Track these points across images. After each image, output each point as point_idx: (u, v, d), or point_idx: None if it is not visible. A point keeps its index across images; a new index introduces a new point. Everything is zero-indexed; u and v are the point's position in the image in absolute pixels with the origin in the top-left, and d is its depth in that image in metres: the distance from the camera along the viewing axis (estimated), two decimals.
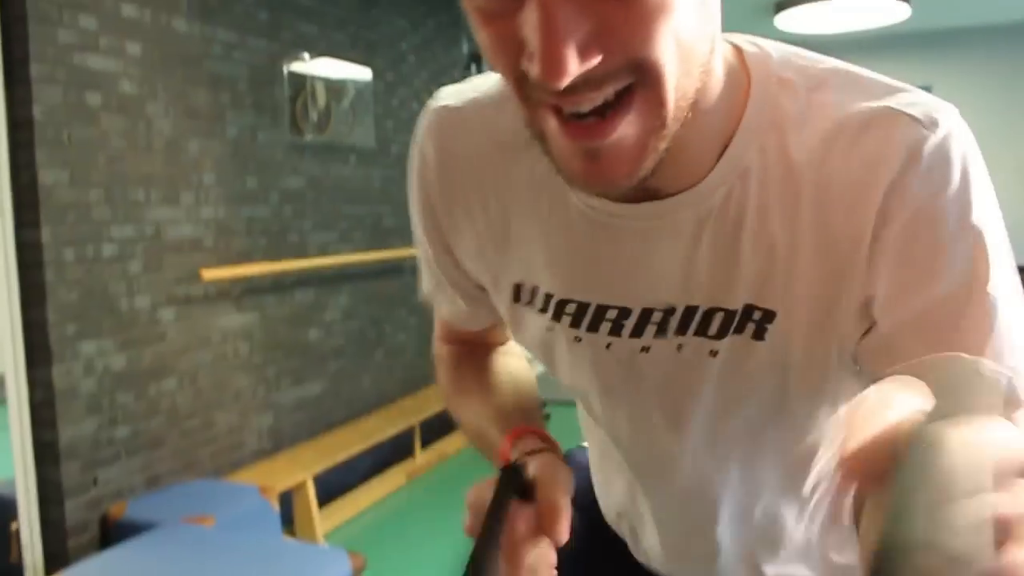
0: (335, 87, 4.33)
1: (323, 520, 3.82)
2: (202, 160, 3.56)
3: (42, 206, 2.89)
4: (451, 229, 0.83)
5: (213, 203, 3.62)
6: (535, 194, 0.76)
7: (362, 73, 4.54)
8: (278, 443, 4.01)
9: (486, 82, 0.81)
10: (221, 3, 3.65)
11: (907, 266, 0.64)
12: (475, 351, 1.00)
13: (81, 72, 3.03)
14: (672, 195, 0.69)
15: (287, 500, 3.66)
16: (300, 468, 3.76)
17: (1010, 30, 7.04)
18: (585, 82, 0.53)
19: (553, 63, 0.51)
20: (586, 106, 0.55)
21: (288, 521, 3.67)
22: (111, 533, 3.02)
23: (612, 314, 0.75)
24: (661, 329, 0.74)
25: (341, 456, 3.99)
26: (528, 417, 0.85)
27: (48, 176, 2.91)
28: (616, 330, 0.76)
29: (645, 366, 0.76)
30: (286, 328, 4.09)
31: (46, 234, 2.91)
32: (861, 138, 0.64)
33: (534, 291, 0.80)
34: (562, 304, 0.78)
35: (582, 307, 0.76)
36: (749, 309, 0.70)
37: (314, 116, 4.19)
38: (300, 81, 4.10)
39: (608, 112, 0.56)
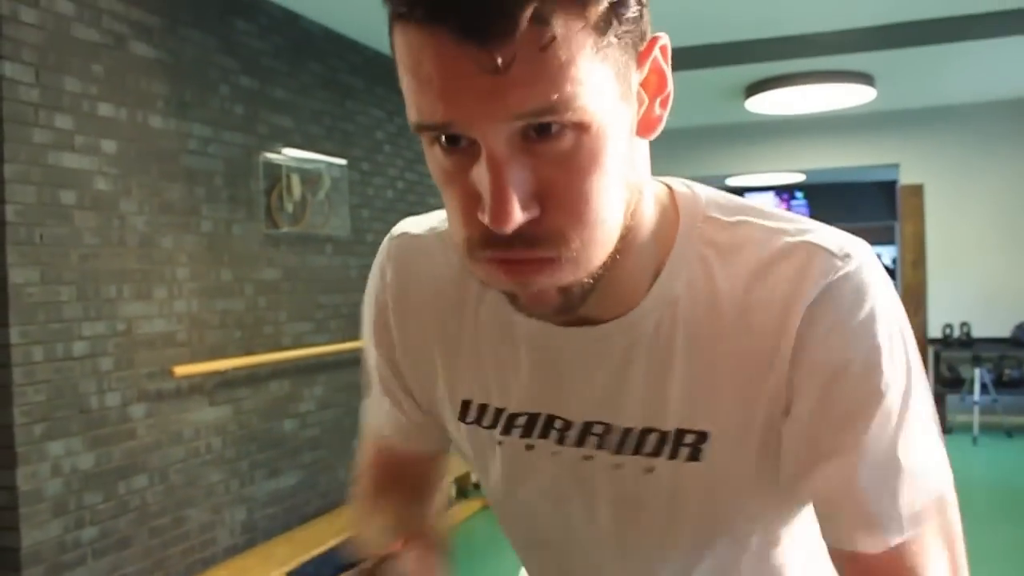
0: (311, 178, 4.38)
1: None
2: (176, 255, 3.57)
3: (11, 306, 2.87)
4: (403, 349, 0.90)
5: (187, 297, 3.61)
6: (485, 318, 0.83)
7: (337, 163, 4.60)
8: (252, 538, 3.93)
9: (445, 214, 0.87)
10: (197, 99, 3.70)
11: (823, 390, 0.70)
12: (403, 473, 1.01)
13: (56, 171, 3.04)
14: (606, 321, 0.75)
15: None
16: (274, 564, 3.68)
17: (972, 109, 7.24)
18: (520, 238, 0.61)
19: (500, 211, 0.59)
20: (516, 257, 0.63)
21: None
22: None
23: (559, 424, 0.81)
24: (601, 444, 0.80)
25: (316, 550, 3.91)
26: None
27: (18, 276, 2.90)
28: (561, 439, 0.81)
29: (589, 473, 0.81)
30: (260, 420, 4.04)
31: (14, 334, 2.88)
32: (780, 267, 0.71)
33: (483, 408, 0.85)
34: (513, 417, 0.83)
35: (532, 417, 0.82)
36: (681, 433, 0.75)
37: (290, 207, 4.22)
38: (276, 173, 4.14)
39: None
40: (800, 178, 10.12)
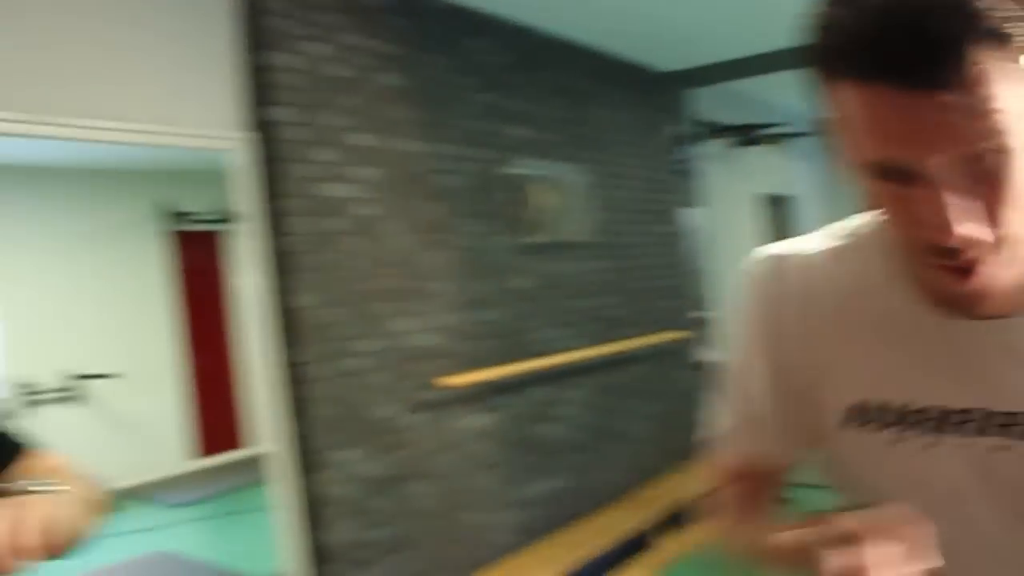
0: (552, 186, 4.46)
1: None
2: (435, 271, 3.75)
3: (301, 329, 3.14)
4: (796, 357, 0.96)
5: (447, 311, 3.78)
6: (881, 319, 0.90)
7: (578, 169, 4.65)
8: (523, 539, 4.04)
9: (801, 242, 0.99)
10: (441, 120, 3.88)
11: None
12: (758, 492, 1.05)
13: (325, 201, 3.30)
14: (1006, 315, 0.82)
15: None
16: (547, 564, 3.76)
17: None
18: (962, 243, 0.73)
19: (945, 227, 0.72)
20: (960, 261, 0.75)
21: None
22: None
23: (966, 416, 0.85)
24: (1013, 433, 0.82)
25: (584, 551, 3.95)
26: None
27: (304, 300, 3.16)
28: (968, 431, 0.85)
29: (1000, 466, 0.83)
30: (524, 425, 4.15)
31: (305, 354, 3.14)
32: None
33: (879, 407, 0.90)
34: (916, 412, 0.87)
35: (938, 412, 0.86)
36: None
37: (534, 216, 4.32)
38: (519, 184, 4.26)
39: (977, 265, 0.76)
40: None
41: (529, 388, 4.22)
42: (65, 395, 6.35)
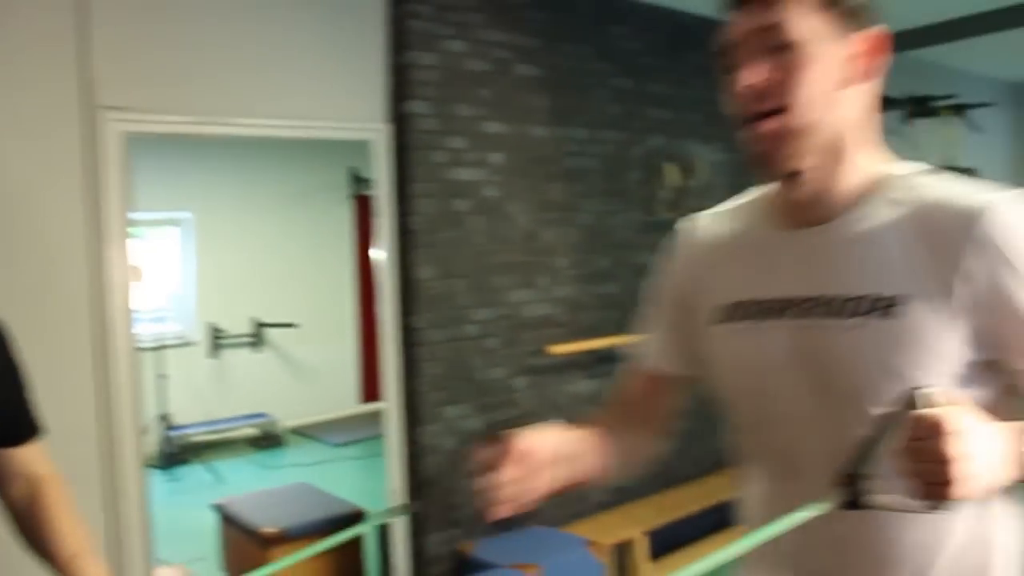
0: (687, 166, 4.61)
1: (656, 573, 4.11)
2: (556, 247, 4.07)
3: (419, 298, 3.58)
4: (691, 292, 1.31)
5: (564, 284, 4.11)
6: (745, 246, 1.24)
7: (713, 149, 4.77)
8: (621, 498, 4.37)
9: (720, 205, 1.35)
10: (575, 106, 4.13)
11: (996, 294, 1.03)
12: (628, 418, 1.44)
13: (451, 184, 3.68)
14: (822, 224, 1.14)
15: (624, 552, 4.02)
16: (635, 523, 4.10)
17: None
18: (747, 97, 1.09)
19: (739, 86, 1.09)
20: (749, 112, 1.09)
21: (624, 573, 4.03)
22: (462, 567, 3.64)
23: (795, 304, 1.14)
24: (814, 313, 1.12)
25: (680, 513, 4.24)
26: None
27: (423, 272, 3.60)
28: (799, 314, 1.14)
29: (810, 340, 1.12)
30: None
31: (421, 320, 3.59)
32: (953, 203, 1.06)
33: (736, 305, 1.21)
34: (761, 303, 1.18)
35: (776, 302, 1.17)
36: (876, 298, 1.07)
37: (666, 196, 4.51)
38: (651, 164, 4.45)
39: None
40: None
41: None
42: (249, 340, 7.37)
